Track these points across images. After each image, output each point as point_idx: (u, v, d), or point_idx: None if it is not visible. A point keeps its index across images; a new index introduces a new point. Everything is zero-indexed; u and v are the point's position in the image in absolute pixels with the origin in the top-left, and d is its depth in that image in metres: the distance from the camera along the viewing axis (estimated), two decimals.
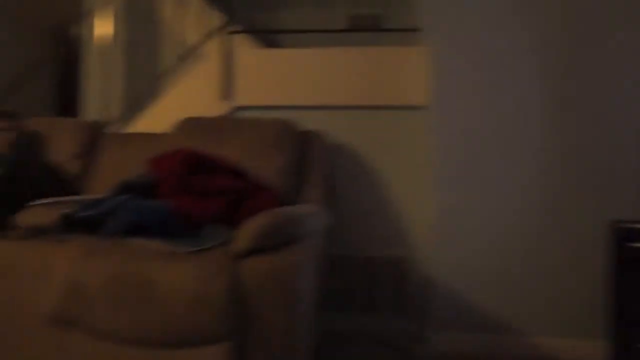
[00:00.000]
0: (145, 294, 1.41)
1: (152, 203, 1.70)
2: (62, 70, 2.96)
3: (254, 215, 1.52)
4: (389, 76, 2.58)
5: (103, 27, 2.86)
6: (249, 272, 1.41)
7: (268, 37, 3.54)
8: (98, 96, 2.91)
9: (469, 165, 2.33)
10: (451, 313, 2.31)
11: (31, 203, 1.89)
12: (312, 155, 2.34)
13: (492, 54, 2.33)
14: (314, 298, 1.69)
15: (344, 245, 2.58)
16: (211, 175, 1.95)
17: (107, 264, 1.46)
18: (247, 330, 1.41)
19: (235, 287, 1.40)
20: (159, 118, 2.72)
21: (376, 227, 2.60)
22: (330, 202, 2.42)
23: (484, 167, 2.32)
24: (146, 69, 3.30)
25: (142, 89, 2.89)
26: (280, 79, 2.64)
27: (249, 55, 2.69)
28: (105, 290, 1.43)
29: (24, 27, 4.73)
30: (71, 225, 1.65)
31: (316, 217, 1.65)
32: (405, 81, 2.57)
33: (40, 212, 1.79)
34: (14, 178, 2.14)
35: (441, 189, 2.34)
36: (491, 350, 2.27)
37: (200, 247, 1.51)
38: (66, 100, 3.55)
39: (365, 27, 3.76)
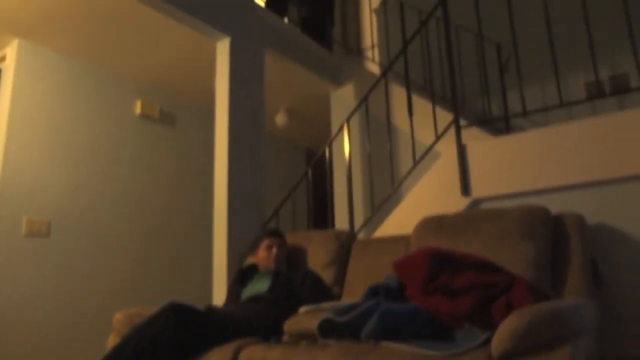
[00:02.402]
0: None
1: (402, 306, 1.72)
2: (313, 186, 3.37)
3: (510, 312, 1.42)
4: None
5: (346, 145, 3.20)
6: None
7: (499, 124, 3.48)
8: (345, 207, 3.20)
9: None
10: None
11: (299, 310, 2.11)
12: (569, 240, 2.10)
13: None
14: None
15: (622, 343, 2.17)
16: (458, 272, 1.90)
17: None
18: None
19: None
20: (402, 220, 2.82)
21: None
22: (597, 293, 2.10)
23: None
24: (386, 175, 3.52)
25: (384, 195, 3.07)
26: (517, 165, 2.51)
27: (481, 146, 2.66)
28: None
29: (287, 150, 5.63)
30: (331, 329, 1.77)
31: (582, 312, 1.44)
32: None
33: (305, 318, 1.97)
34: (292, 290, 2.43)
35: None
36: None
37: (455, 350, 1.45)
38: (319, 214, 3.98)
39: (611, 91, 3.41)
